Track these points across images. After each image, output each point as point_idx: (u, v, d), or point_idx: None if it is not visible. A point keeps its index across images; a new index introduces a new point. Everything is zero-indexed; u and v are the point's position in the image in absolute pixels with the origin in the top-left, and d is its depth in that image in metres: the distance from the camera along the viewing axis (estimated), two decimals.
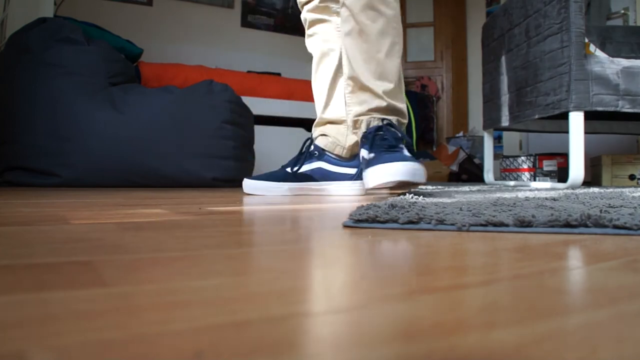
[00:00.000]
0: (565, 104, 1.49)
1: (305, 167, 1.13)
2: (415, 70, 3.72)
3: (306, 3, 1.20)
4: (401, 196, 0.74)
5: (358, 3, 1.03)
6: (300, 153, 1.15)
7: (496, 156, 2.70)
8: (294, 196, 1.05)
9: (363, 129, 1.05)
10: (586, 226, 0.42)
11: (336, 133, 1.18)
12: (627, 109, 1.48)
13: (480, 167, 2.72)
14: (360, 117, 1.06)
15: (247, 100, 1.97)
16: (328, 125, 1.19)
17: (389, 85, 1.04)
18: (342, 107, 1.15)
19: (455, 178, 2.84)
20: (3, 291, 0.21)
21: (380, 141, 0.97)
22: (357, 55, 1.04)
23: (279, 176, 1.11)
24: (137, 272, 0.25)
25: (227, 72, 2.43)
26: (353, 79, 1.07)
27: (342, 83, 1.13)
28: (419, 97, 3.49)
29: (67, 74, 1.51)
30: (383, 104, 1.04)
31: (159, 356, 0.13)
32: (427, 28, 3.74)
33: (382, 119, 1.02)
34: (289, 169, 1.13)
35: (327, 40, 1.18)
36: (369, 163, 0.93)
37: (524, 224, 0.43)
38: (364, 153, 1.00)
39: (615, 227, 0.41)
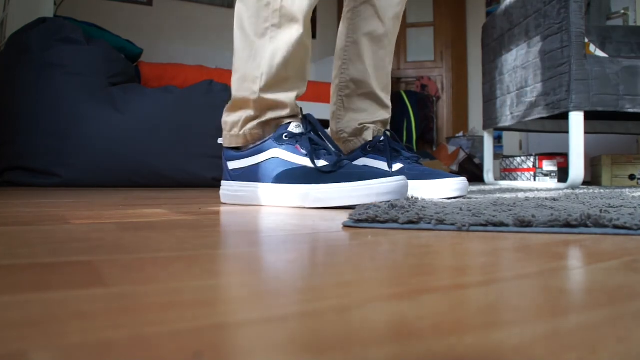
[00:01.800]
0: (565, 104, 1.49)
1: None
2: (415, 70, 3.72)
3: None
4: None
5: (392, 9, 0.96)
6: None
7: (496, 156, 2.70)
8: None
9: (368, 137, 0.97)
10: (586, 226, 0.42)
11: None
12: (627, 109, 1.48)
13: (480, 167, 2.72)
14: (367, 125, 0.98)
15: None
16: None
17: (389, 98, 1.01)
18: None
19: None
20: (3, 291, 0.21)
21: (402, 153, 0.92)
22: (372, 62, 0.98)
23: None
24: (137, 272, 0.25)
25: (227, 72, 2.43)
26: (357, 82, 0.98)
27: (337, 84, 1.00)
28: (419, 97, 3.49)
29: (67, 74, 1.51)
30: (387, 116, 0.99)
31: (159, 356, 0.13)
32: (427, 28, 3.74)
33: (385, 130, 0.98)
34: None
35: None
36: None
37: (524, 224, 0.43)
38: (378, 164, 0.92)
39: (615, 227, 0.41)
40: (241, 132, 0.80)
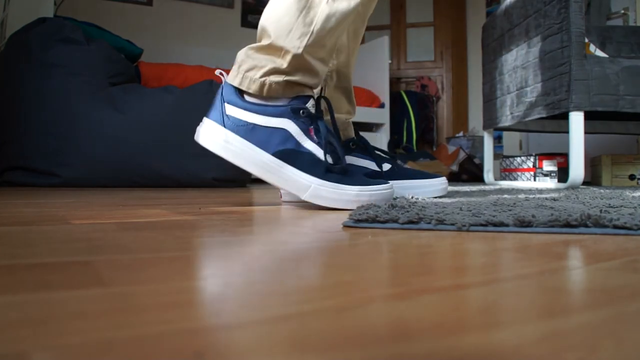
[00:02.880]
0: (565, 104, 1.49)
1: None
2: (415, 70, 3.72)
3: None
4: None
5: (370, 8, 0.91)
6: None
7: (496, 156, 2.70)
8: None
9: (351, 133, 0.94)
10: (586, 226, 0.42)
11: None
12: (627, 109, 1.48)
13: (480, 167, 2.72)
14: (348, 120, 0.95)
15: None
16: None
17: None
18: None
19: (455, 178, 2.84)
20: (4, 291, 0.21)
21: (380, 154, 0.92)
22: (354, 56, 0.94)
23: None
24: (137, 272, 0.25)
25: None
26: (340, 74, 0.93)
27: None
28: (419, 97, 3.49)
29: (67, 74, 1.51)
30: (353, 114, 0.97)
31: (159, 356, 0.13)
32: (427, 28, 3.74)
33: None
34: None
35: None
36: (393, 174, 0.87)
37: (524, 224, 0.43)
38: (365, 163, 0.89)
39: (615, 227, 0.41)
40: (261, 79, 0.70)
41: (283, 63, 0.69)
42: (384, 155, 0.92)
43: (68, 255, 0.29)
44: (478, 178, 2.71)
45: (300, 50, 0.68)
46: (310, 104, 0.71)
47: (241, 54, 0.73)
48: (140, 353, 0.14)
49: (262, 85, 0.70)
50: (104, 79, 1.58)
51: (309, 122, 0.69)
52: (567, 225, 0.42)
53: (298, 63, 0.69)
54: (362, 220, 0.47)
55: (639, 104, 1.49)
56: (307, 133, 0.69)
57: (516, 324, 0.17)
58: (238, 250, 0.34)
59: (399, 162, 0.95)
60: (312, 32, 0.69)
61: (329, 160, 0.68)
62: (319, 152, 0.68)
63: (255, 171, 0.68)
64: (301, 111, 0.69)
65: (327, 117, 0.84)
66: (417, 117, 3.40)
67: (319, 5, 0.69)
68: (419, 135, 3.44)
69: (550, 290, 0.22)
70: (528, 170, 2.10)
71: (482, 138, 2.95)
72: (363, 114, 2.78)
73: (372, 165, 0.89)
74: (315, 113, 0.71)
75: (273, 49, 0.70)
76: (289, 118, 0.68)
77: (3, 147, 1.49)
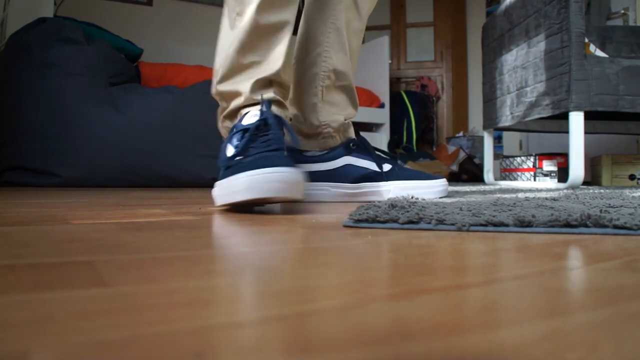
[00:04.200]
0: (565, 104, 1.49)
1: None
2: (415, 70, 3.72)
3: None
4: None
5: (367, 4, 0.92)
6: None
7: (496, 156, 2.70)
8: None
9: (351, 134, 0.93)
10: (586, 226, 0.42)
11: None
12: (627, 109, 1.48)
13: (480, 167, 2.72)
14: (347, 121, 0.94)
15: None
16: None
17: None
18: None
19: (455, 178, 2.84)
20: (3, 291, 0.21)
21: (376, 153, 0.91)
22: (353, 54, 0.94)
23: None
24: (137, 272, 0.25)
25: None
26: (339, 73, 0.91)
27: (316, 72, 0.90)
28: (419, 97, 3.49)
29: (67, 74, 1.51)
30: (355, 113, 0.95)
31: (159, 356, 0.13)
32: (427, 28, 3.74)
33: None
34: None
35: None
36: (393, 175, 0.88)
37: (524, 224, 0.43)
38: (365, 163, 0.89)
39: (615, 227, 0.41)
40: (219, 125, 0.82)
41: (223, 103, 0.80)
42: (384, 156, 0.92)
43: (68, 255, 0.29)
44: (478, 178, 2.71)
45: (214, 89, 0.80)
46: (248, 117, 0.70)
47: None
48: (140, 353, 0.14)
49: (223, 129, 0.83)
50: (104, 79, 1.58)
51: (230, 136, 0.70)
52: (567, 225, 0.42)
53: (222, 97, 0.79)
54: (362, 220, 0.47)
55: (639, 104, 1.49)
56: (228, 143, 0.69)
57: (516, 324, 0.17)
58: (237, 250, 0.34)
59: (399, 162, 0.95)
60: (220, 66, 0.78)
61: (228, 154, 0.65)
62: (230, 152, 0.66)
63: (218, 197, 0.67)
64: (233, 129, 0.71)
65: (287, 112, 0.81)
66: (417, 117, 3.40)
67: (228, 38, 0.76)
68: (419, 135, 3.44)
69: (550, 290, 0.22)
70: (528, 170, 2.10)
71: (482, 138, 2.95)
72: (363, 114, 2.78)
73: (372, 166, 0.88)
74: (255, 120, 0.68)
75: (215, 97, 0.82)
76: (227, 141, 0.70)
77: (3, 147, 1.49)
